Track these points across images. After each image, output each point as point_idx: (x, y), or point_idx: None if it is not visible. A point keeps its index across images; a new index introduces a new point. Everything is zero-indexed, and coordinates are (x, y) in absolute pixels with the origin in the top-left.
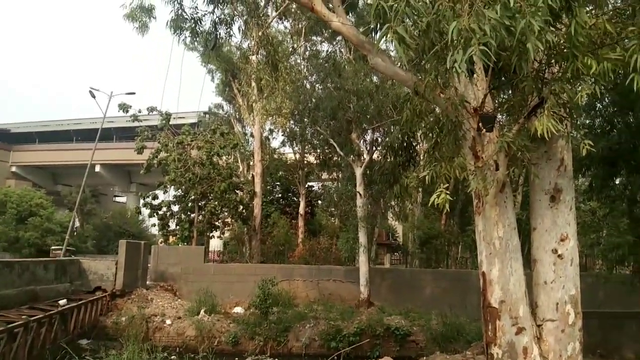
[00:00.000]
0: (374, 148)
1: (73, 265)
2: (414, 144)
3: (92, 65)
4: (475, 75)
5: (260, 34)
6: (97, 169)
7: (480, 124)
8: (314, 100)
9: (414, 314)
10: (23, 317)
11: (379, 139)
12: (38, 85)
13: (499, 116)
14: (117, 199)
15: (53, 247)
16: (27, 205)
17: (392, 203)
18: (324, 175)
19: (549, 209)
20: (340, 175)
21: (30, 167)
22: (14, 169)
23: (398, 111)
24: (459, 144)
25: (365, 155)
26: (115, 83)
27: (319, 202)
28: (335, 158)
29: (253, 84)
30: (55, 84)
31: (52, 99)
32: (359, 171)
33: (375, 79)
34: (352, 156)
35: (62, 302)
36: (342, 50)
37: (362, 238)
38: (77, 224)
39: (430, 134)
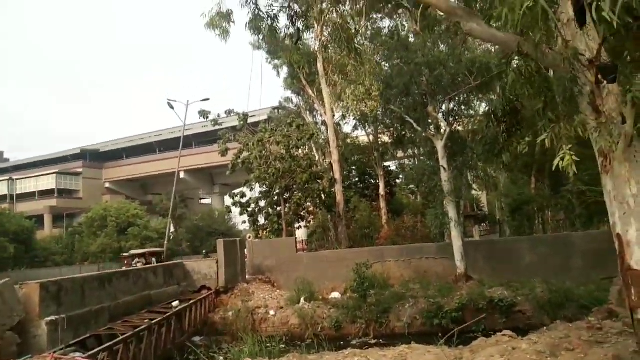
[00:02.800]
0: (452, 118)
1: (178, 268)
2: (518, 108)
3: (166, 76)
4: (586, 26)
5: (324, 19)
6: (182, 175)
7: (599, 76)
8: (382, 78)
9: (515, 284)
10: (145, 321)
11: (455, 109)
12: (120, 102)
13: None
14: (203, 201)
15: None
16: (124, 217)
17: (480, 173)
18: (400, 154)
19: None
20: (416, 152)
21: (122, 181)
22: (107, 185)
23: (475, 76)
24: (575, 101)
25: (444, 127)
26: (188, 92)
27: (397, 181)
28: (409, 135)
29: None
30: (136, 100)
31: (136, 114)
32: (440, 144)
33: (442, 47)
34: (429, 130)
35: (175, 303)
36: (405, 23)
37: (452, 212)
38: (172, 229)
39: (540, 96)
